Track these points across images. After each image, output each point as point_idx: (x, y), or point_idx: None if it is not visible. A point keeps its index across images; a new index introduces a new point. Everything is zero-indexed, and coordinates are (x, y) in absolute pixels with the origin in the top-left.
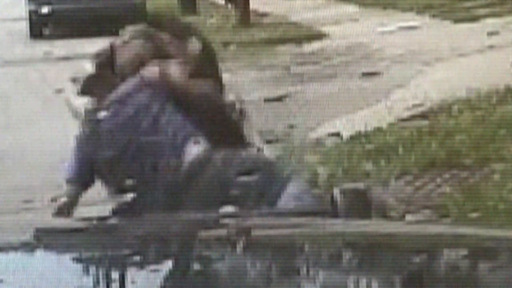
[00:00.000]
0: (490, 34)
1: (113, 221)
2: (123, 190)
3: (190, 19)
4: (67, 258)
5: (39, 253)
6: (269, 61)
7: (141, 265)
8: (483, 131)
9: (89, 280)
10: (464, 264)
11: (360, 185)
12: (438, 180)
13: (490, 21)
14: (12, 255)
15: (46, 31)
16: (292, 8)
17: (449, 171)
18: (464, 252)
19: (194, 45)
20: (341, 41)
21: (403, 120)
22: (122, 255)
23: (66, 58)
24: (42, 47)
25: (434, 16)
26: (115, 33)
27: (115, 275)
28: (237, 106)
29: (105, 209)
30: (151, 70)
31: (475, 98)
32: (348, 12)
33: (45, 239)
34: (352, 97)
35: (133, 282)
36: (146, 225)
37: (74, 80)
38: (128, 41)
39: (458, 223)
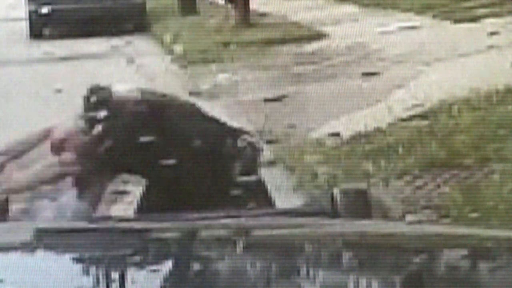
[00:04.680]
0: (490, 34)
1: (113, 221)
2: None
3: (190, 19)
4: (67, 258)
5: (39, 253)
6: (269, 61)
7: (141, 265)
8: (483, 131)
9: (89, 280)
10: (464, 264)
11: (360, 185)
12: (438, 180)
13: (490, 21)
14: (12, 255)
15: (46, 31)
16: (292, 8)
17: (449, 171)
18: (464, 252)
19: None
20: (341, 41)
21: (403, 120)
22: (122, 255)
23: (66, 58)
24: (42, 47)
25: (434, 16)
26: (115, 33)
27: (115, 275)
28: None
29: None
30: None
31: (475, 98)
32: (348, 12)
33: (45, 239)
34: (352, 97)
35: (133, 282)
36: (146, 225)
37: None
38: None
39: (458, 223)
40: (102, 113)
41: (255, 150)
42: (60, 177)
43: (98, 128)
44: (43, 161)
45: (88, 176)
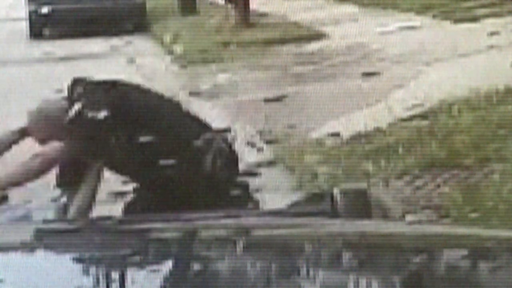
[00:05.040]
0: (490, 34)
1: (113, 220)
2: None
3: (190, 19)
4: (67, 258)
5: (39, 253)
6: (269, 61)
7: (141, 265)
8: (483, 131)
9: (89, 280)
10: (464, 264)
11: (360, 185)
12: (438, 180)
13: (490, 21)
14: (12, 255)
15: (46, 31)
16: (292, 8)
17: (449, 171)
18: (464, 252)
19: None
20: (341, 41)
21: (403, 120)
22: (122, 255)
23: (66, 58)
24: (42, 47)
25: (434, 16)
26: (115, 33)
27: (115, 275)
28: None
29: (105, 209)
30: None
31: (475, 98)
32: (348, 12)
33: (45, 239)
34: (352, 97)
35: (133, 282)
36: (146, 225)
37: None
38: None
39: (458, 223)
40: (79, 91)
41: (230, 149)
42: (47, 166)
43: (76, 107)
44: (27, 154)
45: (74, 159)
